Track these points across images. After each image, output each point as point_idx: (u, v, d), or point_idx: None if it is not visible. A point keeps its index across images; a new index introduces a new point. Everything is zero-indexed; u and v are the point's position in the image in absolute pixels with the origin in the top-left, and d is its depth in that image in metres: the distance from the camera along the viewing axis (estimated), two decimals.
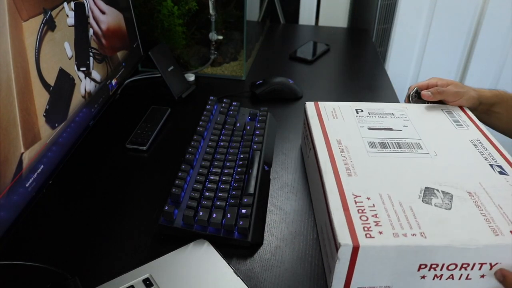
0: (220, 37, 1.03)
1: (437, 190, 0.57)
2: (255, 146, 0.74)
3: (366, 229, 0.50)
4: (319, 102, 0.77)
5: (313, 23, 1.56)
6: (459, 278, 0.52)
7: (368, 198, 0.55)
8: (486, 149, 0.65)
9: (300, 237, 0.62)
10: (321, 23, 1.57)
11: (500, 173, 0.61)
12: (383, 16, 1.54)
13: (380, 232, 0.50)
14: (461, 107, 0.77)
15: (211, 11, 0.99)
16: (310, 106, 0.76)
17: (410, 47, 1.71)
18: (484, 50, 1.69)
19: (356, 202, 0.54)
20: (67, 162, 0.65)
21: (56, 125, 0.62)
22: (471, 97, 0.77)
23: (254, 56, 1.20)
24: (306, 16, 1.54)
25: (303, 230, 0.63)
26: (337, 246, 0.49)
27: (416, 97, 0.80)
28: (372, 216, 0.52)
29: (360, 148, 0.65)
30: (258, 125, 0.79)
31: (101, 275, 0.55)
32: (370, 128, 0.70)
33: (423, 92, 0.78)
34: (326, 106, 0.76)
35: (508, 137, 0.83)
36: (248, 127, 0.79)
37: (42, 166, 0.58)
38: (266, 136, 0.78)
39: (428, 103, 0.78)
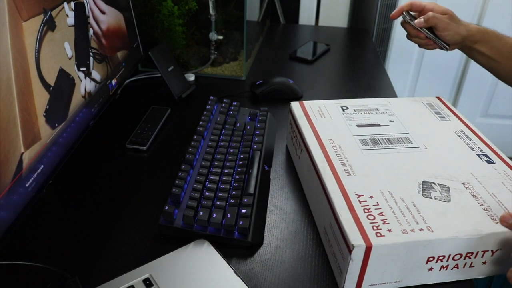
0: (220, 37, 1.03)
1: (434, 183, 0.58)
2: (255, 146, 0.74)
3: (375, 228, 0.51)
4: (304, 102, 0.77)
5: (313, 23, 1.56)
6: (463, 267, 0.54)
7: (371, 197, 0.55)
8: (471, 139, 0.67)
9: (300, 237, 0.62)
10: (321, 23, 1.57)
11: (488, 162, 0.62)
12: (383, 16, 1.54)
13: (389, 230, 0.50)
14: (439, 98, 0.79)
15: (211, 11, 0.99)
16: (295, 106, 0.76)
17: (410, 47, 1.71)
18: None
19: (360, 202, 0.54)
20: (67, 162, 0.65)
21: (56, 125, 0.62)
22: (457, 33, 0.79)
23: (254, 56, 1.20)
24: (306, 16, 1.54)
25: (303, 230, 0.63)
26: (349, 247, 0.49)
27: (408, 18, 0.81)
28: (378, 214, 0.53)
29: (353, 147, 0.65)
30: (258, 125, 0.79)
31: (101, 275, 0.55)
32: (358, 125, 0.70)
33: (417, 21, 0.79)
34: (312, 105, 0.76)
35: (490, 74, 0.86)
36: (248, 127, 0.79)
37: (42, 166, 0.58)
38: (266, 136, 0.78)
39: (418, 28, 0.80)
